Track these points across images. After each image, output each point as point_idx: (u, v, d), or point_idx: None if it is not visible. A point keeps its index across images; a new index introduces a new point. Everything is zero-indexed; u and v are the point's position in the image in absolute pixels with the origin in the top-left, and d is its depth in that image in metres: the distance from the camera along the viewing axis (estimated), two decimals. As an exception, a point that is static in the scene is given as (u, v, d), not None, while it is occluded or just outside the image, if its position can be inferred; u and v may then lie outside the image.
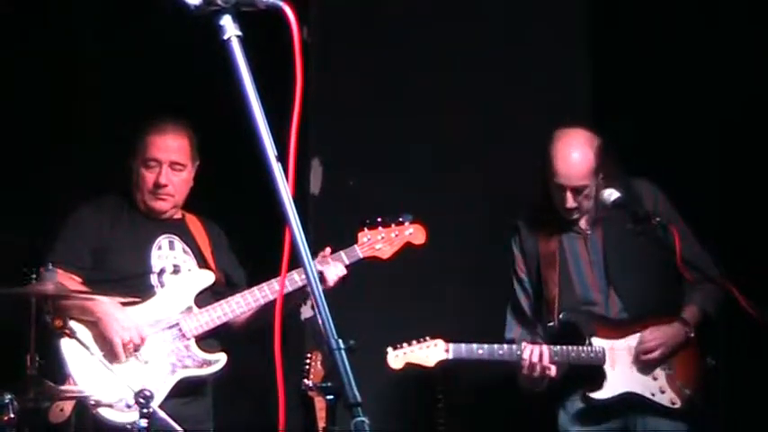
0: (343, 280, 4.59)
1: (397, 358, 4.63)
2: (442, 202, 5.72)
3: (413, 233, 4.77)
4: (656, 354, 4.66)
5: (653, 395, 4.66)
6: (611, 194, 4.62)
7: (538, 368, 4.59)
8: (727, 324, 4.57)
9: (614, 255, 4.78)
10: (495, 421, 5.55)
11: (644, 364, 4.67)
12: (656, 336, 4.67)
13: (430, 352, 4.61)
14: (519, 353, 4.60)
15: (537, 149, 4.80)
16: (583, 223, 4.82)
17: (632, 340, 4.69)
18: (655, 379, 4.69)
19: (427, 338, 4.62)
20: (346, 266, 4.62)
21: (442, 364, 4.63)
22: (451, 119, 5.96)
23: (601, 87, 5.93)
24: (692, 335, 4.69)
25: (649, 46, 5.70)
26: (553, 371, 4.61)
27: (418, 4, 6.05)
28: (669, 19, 5.66)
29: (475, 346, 4.61)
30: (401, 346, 4.63)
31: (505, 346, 4.64)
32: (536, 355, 4.58)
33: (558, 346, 4.61)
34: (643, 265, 4.75)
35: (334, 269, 4.57)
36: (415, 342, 4.62)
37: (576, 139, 4.73)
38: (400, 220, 4.76)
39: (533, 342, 4.67)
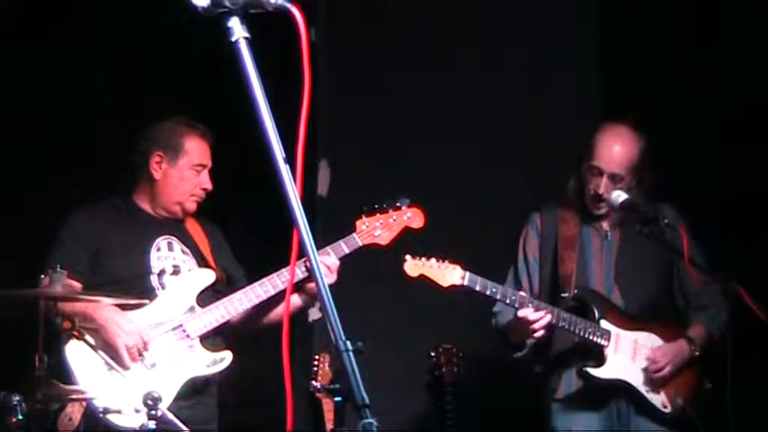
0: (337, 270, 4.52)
1: (414, 266, 4.55)
2: (450, 201, 5.71)
3: (411, 217, 4.72)
4: (665, 372, 4.70)
5: (647, 391, 4.70)
6: (619, 195, 4.67)
7: (528, 328, 4.55)
8: (735, 327, 4.57)
9: (626, 259, 4.82)
10: (500, 423, 5.55)
11: (654, 382, 4.70)
12: (665, 353, 4.72)
13: (447, 273, 4.55)
14: (531, 304, 4.57)
15: (544, 152, 4.78)
16: (605, 224, 4.85)
17: (639, 335, 4.73)
18: (652, 379, 4.71)
19: (446, 260, 4.57)
20: (341, 258, 4.55)
21: (454, 289, 4.56)
22: (460, 119, 5.96)
23: (610, 90, 5.94)
24: (698, 353, 4.75)
25: (661, 46, 5.72)
26: (539, 333, 4.59)
27: (425, 5, 6.05)
28: (681, 17, 5.68)
29: (490, 283, 4.58)
30: (420, 258, 4.56)
31: (519, 293, 4.60)
32: (534, 315, 4.54)
33: (568, 314, 4.62)
34: (650, 275, 4.82)
35: (327, 260, 4.49)
36: (434, 258, 4.56)
37: (624, 132, 4.77)
38: (397, 204, 4.71)
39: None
